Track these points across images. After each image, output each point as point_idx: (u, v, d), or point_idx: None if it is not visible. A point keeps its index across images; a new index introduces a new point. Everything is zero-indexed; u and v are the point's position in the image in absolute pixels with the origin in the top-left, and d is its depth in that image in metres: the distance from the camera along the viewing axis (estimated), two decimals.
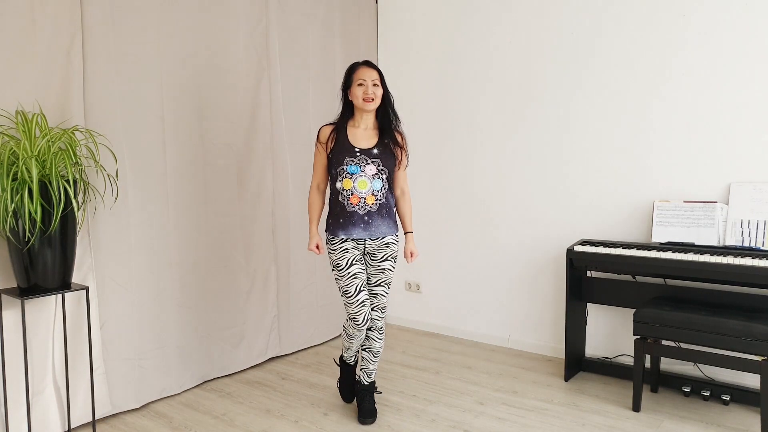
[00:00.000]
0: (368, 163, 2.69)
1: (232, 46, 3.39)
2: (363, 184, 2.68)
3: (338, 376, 3.16)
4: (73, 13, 2.67)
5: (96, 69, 2.78)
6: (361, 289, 2.74)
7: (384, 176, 2.72)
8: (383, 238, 2.76)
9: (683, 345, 3.08)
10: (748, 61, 3.02)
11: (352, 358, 2.97)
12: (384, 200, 2.74)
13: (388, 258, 2.79)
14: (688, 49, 3.18)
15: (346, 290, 2.73)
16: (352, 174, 2.68)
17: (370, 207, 2.70)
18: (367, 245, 2.75)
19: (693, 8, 3.16)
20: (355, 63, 2.78)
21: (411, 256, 2.88)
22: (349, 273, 2.72)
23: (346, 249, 2.72)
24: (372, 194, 2.69)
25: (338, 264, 2.73)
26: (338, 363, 3.04)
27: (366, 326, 2.79)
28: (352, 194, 2.68)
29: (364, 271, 2.78)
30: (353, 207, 2.69)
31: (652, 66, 3.29)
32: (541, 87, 3.70)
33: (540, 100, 3.71)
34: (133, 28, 2.91)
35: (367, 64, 2.75)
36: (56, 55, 2.63)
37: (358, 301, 2.72)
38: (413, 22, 4.28)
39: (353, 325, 2.77)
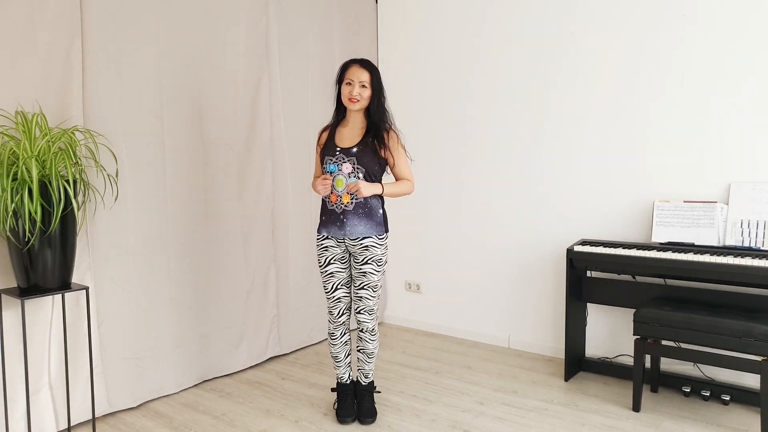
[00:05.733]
0: (345, 162, 2.69)
1: (232, 46, 3.39)
2: (339, 182, 2.70)
3: (335, 398, 3.04)
4: (73, 13, 2.67)
5: (96, 69, 2.78)
6: (338, 287, 2.80)
7: (360, 175, 2.68)
8: (362, 239, 2.71)
9: (683, 345, 3.08)
10: (749, 61, 3.02)
11: (345, 375, 2.91)
12: (361, 200, 2.69)
13: (369, 261, 2.74)
14: (689, 49, 3.18)
15: (324, 286, 2.84)
16: (330, 173, 2.70)
17: (345, 206, 2.69)
18: (348, 244, 2.75)
19: (693, 8, 3.16)
20: (350, 60, 2.74)
21: (351, 186, 2.63)
22: (326, 271, 2.79)
23: (326, 247, 2.77)
24: (348, 193, 2.68)
25: (318, 261, 2.83)
26: (333, 389, 2.99)
27: (342, 321, 2.85)
28: (331, 193, 2.70)
29: (344, 270, 2.80)
30: (332, 205, 2.72)
31: (652, 66, 3.29)
32: (541, 87, 3.70)
33: (540, 100, 3.71)
34: (133, 28, 2.91)
35: (361, 63, 2.70)
36: (56, 55, 2.63)
37: (334, 297, 2.82)
38: (413, 22, 4.28)
39: (330, 318, 2.86)
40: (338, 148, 2.72)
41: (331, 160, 2.70)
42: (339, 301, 2.82)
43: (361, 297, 2.80)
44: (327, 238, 2.77)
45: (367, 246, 2.73)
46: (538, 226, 3.76)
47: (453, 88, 4.09)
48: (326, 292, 2.83)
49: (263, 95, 3.57)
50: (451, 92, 4.11)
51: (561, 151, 3.64)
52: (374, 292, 2.80)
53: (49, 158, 2.38)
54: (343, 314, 2.84)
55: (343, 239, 2.74)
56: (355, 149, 2.70)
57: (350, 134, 2.75)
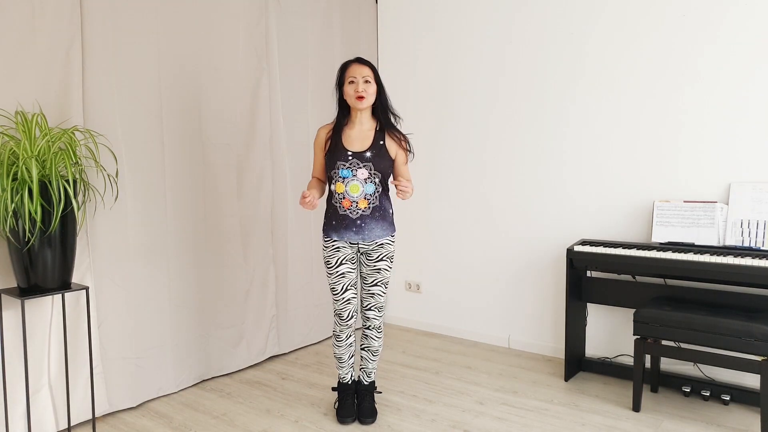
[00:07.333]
0: (360, 167, 2.64)
1: (232, 46, 3.39)
2: (355, 188, 2.64)
3: (336, 399, 3.00)
4: (73, 13, 2.67)
5: (96, 69, 2.78)
6: (348, 287, 2.75)
7: (377, 179, 2.67)
8: (377, 240, 2.73)
9: (683, 345, 3.08)
10: (749, 61, 3.02)
11: (347, 375, 2.90)
12: (377, 203, 2.68)
13: (383, 258, 2.76)
14: (688, 49, 3.18)
15: (333, 288, 2.76)
16: (344, 178, 2.64)
17: (363, 211, 2.66)
18: (361, 246, 2.74)
19: (693, 9, 3.16)
20: (347, 61, 2.73)
21: (403, 187, 2.63)
22: (337, 272, 2.73)
23: (337, 248, 2.72)
24: (364, 198, 2.65)
25: (328, 262, 2.75)
26: (335, 388, 2.97)
27: (351, 324, 2.80)
28: (344, 198, 2.65)
29: (354, 271, 2.77)
30: (345, 210, 2.66)
31: (651, 66, 3.29)
32: (540, 87, 3.70)
33: (540, 100, 3.71)
34: (133, 28, 2.91)
35: (359, 60, 2.70)
36: (56, 55, 2.63)
37: (344, 298, 2.75)
38: (413, 22, 4.28)
39: (338, 321, 2.80)
40: (350, 153, 2.65)
41: (344, 165, 2.63)
42: (349, 303, 2.77)
43: (373, 294, 2.80)
44: (338, 240, 2.72)
45: (382, 244, 2.75)
46: (538, 226, 3.76)
47: (453, 89, 4.09)
48: (335, 294, 2.76)
49: (263, 95, 3.57)
50: (450, 92, 4.11)
51: (561, 152, 3.64)
52: (386, 288, 2.82)
53: (49, 158, 2.38)
54: (352, 317, 2.80)
55: (357, 242, 2.72)
56: (368, 153, 2.66)
57: (359, 136, 2.69)
